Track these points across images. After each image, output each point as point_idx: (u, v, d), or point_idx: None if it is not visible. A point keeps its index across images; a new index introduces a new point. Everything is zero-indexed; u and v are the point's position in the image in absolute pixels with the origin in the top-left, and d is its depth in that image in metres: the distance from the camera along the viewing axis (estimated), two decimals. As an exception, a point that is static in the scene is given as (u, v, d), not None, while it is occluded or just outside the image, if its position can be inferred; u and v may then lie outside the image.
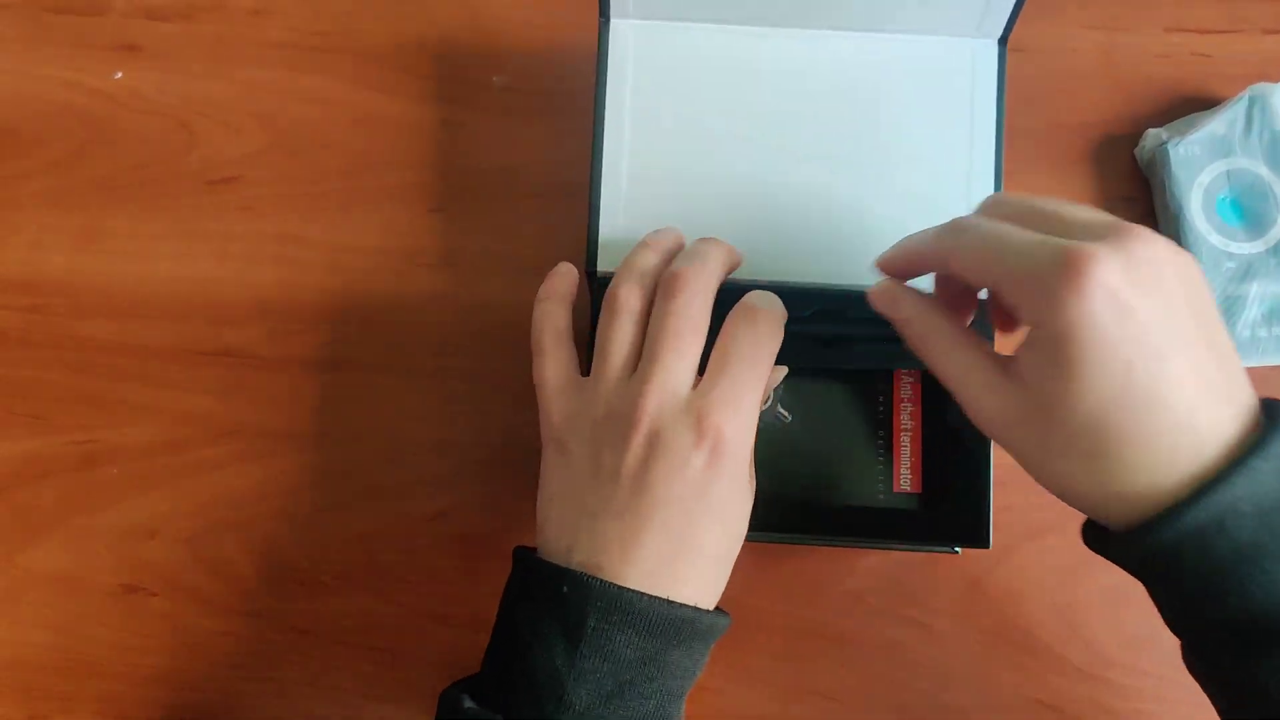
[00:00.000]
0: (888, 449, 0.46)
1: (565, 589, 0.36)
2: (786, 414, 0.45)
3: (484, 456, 0.49)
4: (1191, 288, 0.32)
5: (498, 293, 0.51)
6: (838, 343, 0.44)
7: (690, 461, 0.36)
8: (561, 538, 0.38)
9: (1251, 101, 0.49)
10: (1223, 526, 0.31)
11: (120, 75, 0.53)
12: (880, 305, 0.39)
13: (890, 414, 0.46)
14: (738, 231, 0.45)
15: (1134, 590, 0.36)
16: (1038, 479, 0.35)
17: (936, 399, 0.45)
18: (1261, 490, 0.31)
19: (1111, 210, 0.51)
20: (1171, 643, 0.36)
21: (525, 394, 0.49)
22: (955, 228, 0.36)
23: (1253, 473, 0.31)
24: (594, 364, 0.40)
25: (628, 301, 0.40)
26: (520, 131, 0.52)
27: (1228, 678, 0.34)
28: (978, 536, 0.44)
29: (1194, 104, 0.52)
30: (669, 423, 0.37)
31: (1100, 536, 0.35)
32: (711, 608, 0.38)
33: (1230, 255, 0.49)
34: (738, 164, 0.46)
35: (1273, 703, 0.32)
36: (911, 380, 0.46)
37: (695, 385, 0.38)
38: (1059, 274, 0.31)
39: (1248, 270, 0.48)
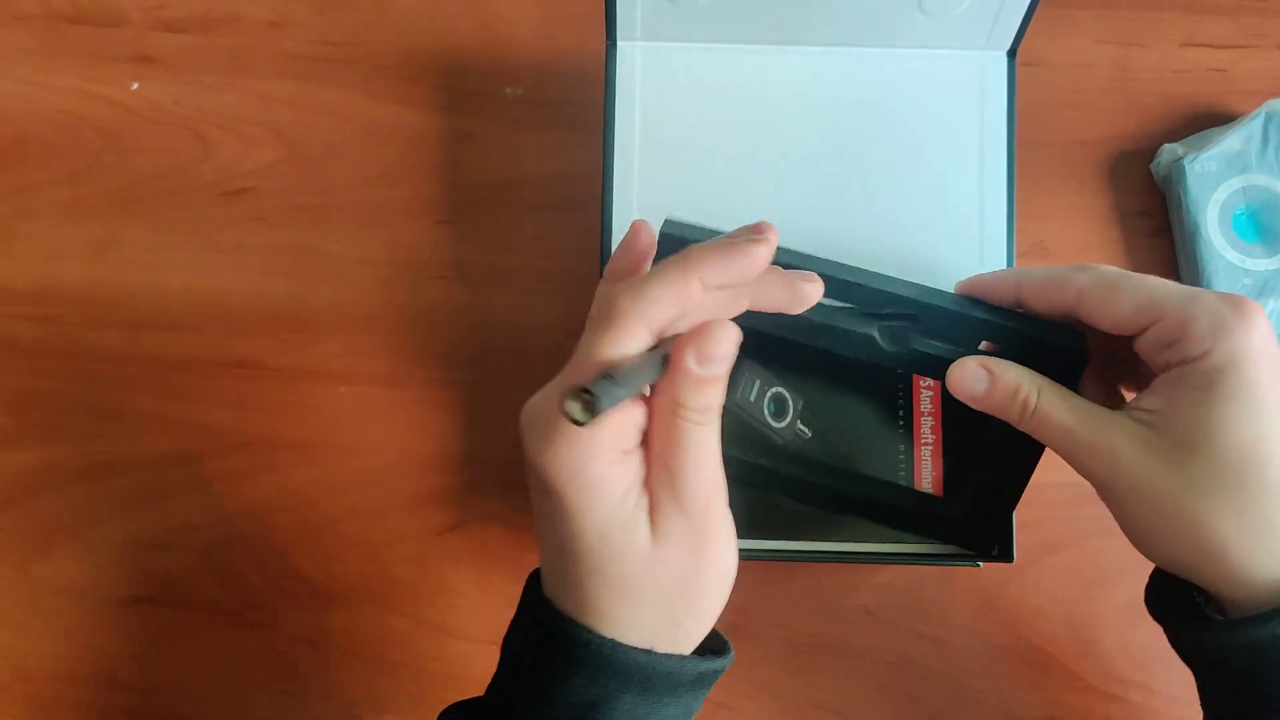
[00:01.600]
0: (909, 463, 0.45)
1: (536, 617, 0.34)
2: (806, 430, 0.45)
3: (495, 470, 0.49)
4: None
5: (509, 304, 0.51)
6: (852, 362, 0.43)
7: (540, 505, 0.32)
8: (543, 561, 0.35)
9: (1268, 118, 0.49)
10: None
11: (136, 86, 0.54)
12: (972, 385, 0.37)
13: (910, 426, 0.45)
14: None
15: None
16: (1163, 534, 0.34)
17: (955, 413, 0.45)
18: None
19: (1126, 225, 0.52)
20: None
21: (537, 407, 0.49)
22: (1083, 267, 0.37)
23: None
24: None
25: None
26: (532, 143, 0.53)
27: None
28: (1002, 550, 0.43)
29: (1210, 119, 0.52)
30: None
31: (1191, 621, 0.35)
32: (684, 651, 0.33)
33: (1246, 271, 0.48)
34: (747, 183, 0.46)
35: None
36: (931, 394, 0.46)
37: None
38: (1231, 310, 0.34)
39: (1264, 286, 0.48)
